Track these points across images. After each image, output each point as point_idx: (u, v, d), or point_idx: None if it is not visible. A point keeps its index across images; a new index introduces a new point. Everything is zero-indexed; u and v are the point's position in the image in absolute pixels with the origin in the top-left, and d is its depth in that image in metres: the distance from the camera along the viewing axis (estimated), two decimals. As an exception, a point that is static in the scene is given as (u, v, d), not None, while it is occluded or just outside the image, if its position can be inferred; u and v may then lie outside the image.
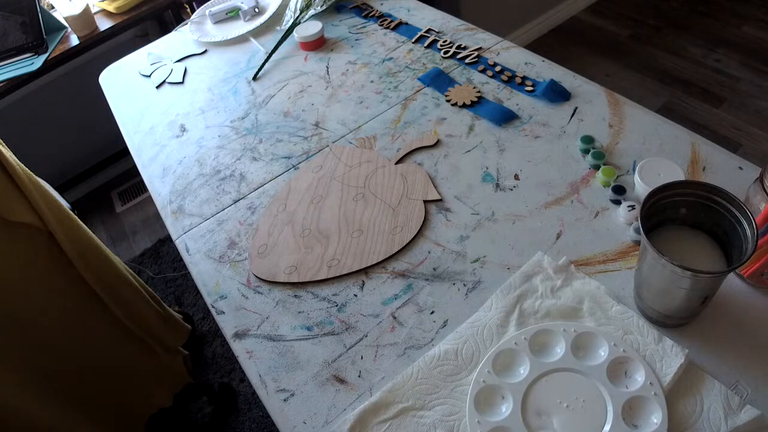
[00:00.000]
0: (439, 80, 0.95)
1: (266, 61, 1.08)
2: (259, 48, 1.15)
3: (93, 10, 1.66)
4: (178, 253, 0.82)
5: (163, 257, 1.91)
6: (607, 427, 0.52)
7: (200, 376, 1.54)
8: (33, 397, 0.99)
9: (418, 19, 1.11)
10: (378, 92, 0.97)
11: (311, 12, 1.16)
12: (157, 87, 1.13)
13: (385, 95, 0.96)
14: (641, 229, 0.51)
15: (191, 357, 1.44)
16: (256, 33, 1.20)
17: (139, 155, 0.98)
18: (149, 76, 1.17)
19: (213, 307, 0.72)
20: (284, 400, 0.61)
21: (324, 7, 1.18)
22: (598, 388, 0.54)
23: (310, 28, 1.10)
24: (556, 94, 0.86)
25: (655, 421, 0.51)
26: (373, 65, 1.03)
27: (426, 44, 1.03)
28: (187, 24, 1.28)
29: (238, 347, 0.67)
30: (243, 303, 0.71)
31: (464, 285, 0.66)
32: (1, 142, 0.96)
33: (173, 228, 0.84)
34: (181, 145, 0.97)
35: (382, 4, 1.18)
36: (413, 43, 1.05)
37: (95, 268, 1.07)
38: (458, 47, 1.00)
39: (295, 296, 0.70)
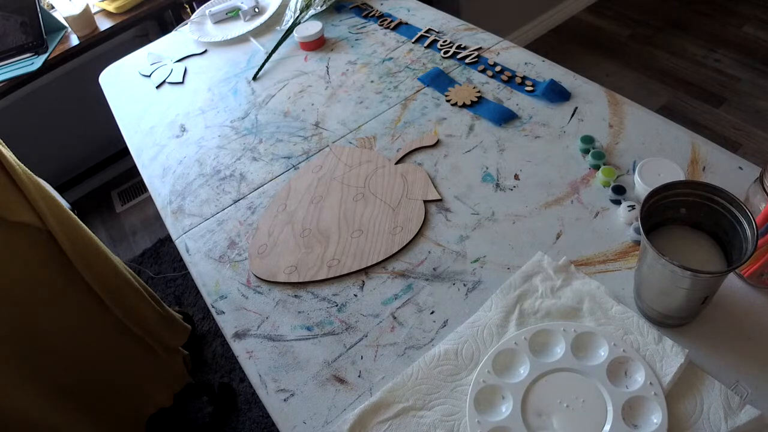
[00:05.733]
0: (439, 80, 0.95)
1: (266, 61, 1.08)
2: (259, 48, 1.15)
3: (93, 10, 1.66)
4: (178, 253, 0.82)
5: (163, 257, 1.91)
6: (607, 427, 0.52)
7: (200, 376, 1.54)
8: (33, 397, 0.99)
9: (418, 19, 1.11)
10: (378, 92, 0.97)
11: (311, 12, 1.16)
12: (157, 87, 1.13)
13: (385, 95, 0.96)
14: (641, 229, 0.51)
15: (191, 357, 1.44)
16: (256, 33, 1.20)
17: (139, 155, 0.99)
18: (149, 76, 1.17)
19: (213, 307, 0.72)
20: (284, 400, 0.61)
21: (324, 7, 1.18)
22: (598, 388, 0.54)
23: (310, 28, 1.10)
24: (556, 94, 0.86)
25: (655, 421, 0.51)
26: (373, 65, 1.03)
27: (426, 44, 1.03)
28: (187, 24, 1.28)
29: (238, 347, 0.67)
30: (243, 303, 0.71)
31: (464, 285, 0.66)
32: (1, 142, 0.96)
33: (173, 228, 0.84)
34: (181, 145, 0.97)
35: (382, 4, 1.18)
36: (413, 43, 1.05)
37: (95, 268, 1.07)
38: (458, 47, 1.00)
39: (295, 296, 0.70)
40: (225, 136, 0.97)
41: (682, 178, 0.67)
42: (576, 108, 0.84)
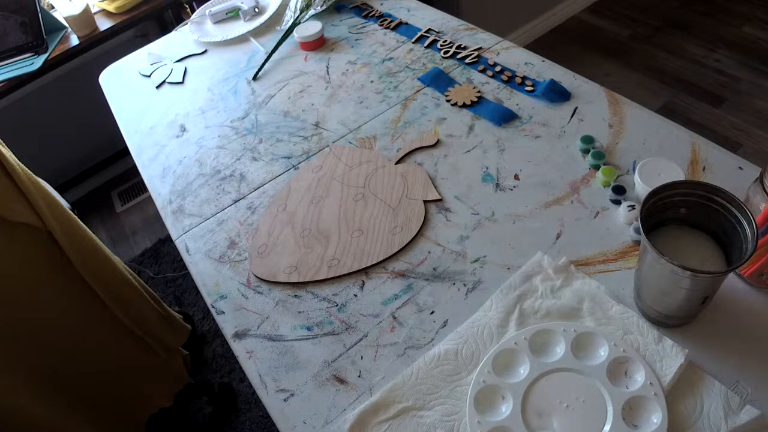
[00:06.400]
0: (439, 80, 0.95)
1: (266, 61, 1.08)
2: (259, 48, 1.15)
3: (93, 10, 1.66)
4: (178, 253, 0.82)
5: (163, 257, 1.91)
6: (607, 427, 0.52)
7: (200, 376, 1.54)
8: (33, 397, 0.99)
9: (418, 19, 1.11)
10: (378, 92, 0.97)
11: (311, 12, 1.16)
12: (157, 87, 1.13)
13: (385, 95, 0.96)
14: (641, 229, 0.51)
15: (191, 357, 1.44)
16: (256, 33, 1.20)
17: (139, 155, 0.99)
18: (149, 76, 1.17)
19: (213, 307, 0.72)
20: (284, 400, 0.61)
21: (324, 7, 1.18)
22: (598, 388, 0.54)
23: (310, 28, 1.10)
24: (556, 94, 0.86)
25: (655, 421, 0.51)
26: (373, 65, 1.03)
27: (426, 44, 1.03)
28: (187, 24, 1.28)
29: (238, 347, 0.67)
30: (243, 303, 0.71)
31: (464, 285, 0.66)
32: (1, 142, 0.95)
33: (173, 228, 0.84)
34: (181, 145, 0.97)
35: (382, 4, 1.18)
36: (413, 43, 1.05)
37: (95, 268, 1.07)
38: (458, 47, 1.00)
39: (295, 296, 0.70)
40: (225, 136, 0.97)
41: (682, 178, 0.67)
42: (576, 108, 0.84)
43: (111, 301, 1.11)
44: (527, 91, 0.88)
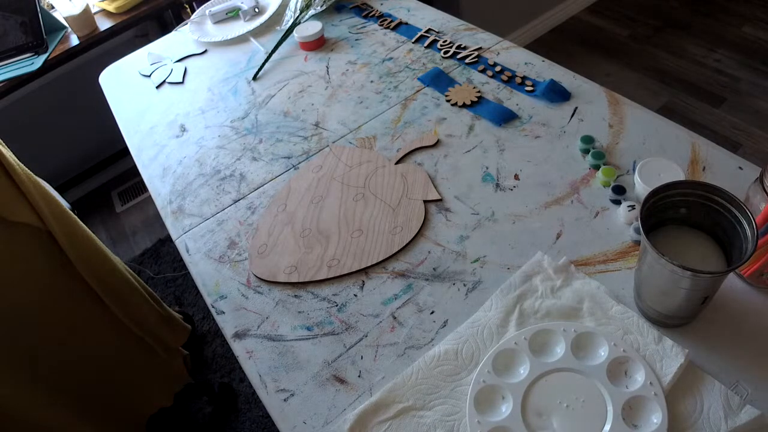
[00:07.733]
0: (439, 80, 0.95)
1: (266, 61, 1.08)
2: (259, 48, 1.15)
3: (93, 10, 1.66)
4: (178, 253, 0.82)
5: (163, 257, 1.91)
6: (607, 427, 0.52)
7: (200, 376, 1.54)
8: (32, 397, 0.99)
9: (418, 19, 1.11)
10: (378, 92, 0.97)
11: (311, 12, 1.16)
12: (157, 87, 1.13)
13: (385, 95, 0.96)
14: (641, 229, 0.51)
15: (191, 357, 1.44)
16: (256, 33, 1.20)
17: (139, 155, 0.99)
18: (149, 76, 1.17)
19: (213, 307, 0.72)
20: (284, 400, 0.61)
21: (324, 7, 1.18)
22: (598, 388, 0.54)
23: (310, 28, 1.10)
24: (556, 94, 0.86)
25: (655, 421, 0.51)
26: (373, 65, 1.03)
27: (426, 44, 1.03)
28: (187, 24, 1.28)
29: (238, 347, 0.67)
30: (243, 303, 0.71)
31: (464, 285, 0.66)
32: (1, 142, 0.96)
33: (173, 228, 0.84)
34: (181, 145, 0.97)
35: (382, 4, 1.18)
36: (413, 43, 1.05)
37: (95, 268, 1.07)
38: (458, 47, 1.00)
39: (295, 296, 0.70)
40: (225, 136, 0.97)
41: (682, 178, 0.67)
42: (576, 108, 0.84)
43: (111, 301, 1.11)
44: (527, 91, 0.88)
